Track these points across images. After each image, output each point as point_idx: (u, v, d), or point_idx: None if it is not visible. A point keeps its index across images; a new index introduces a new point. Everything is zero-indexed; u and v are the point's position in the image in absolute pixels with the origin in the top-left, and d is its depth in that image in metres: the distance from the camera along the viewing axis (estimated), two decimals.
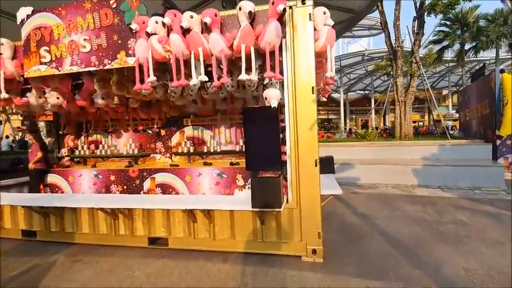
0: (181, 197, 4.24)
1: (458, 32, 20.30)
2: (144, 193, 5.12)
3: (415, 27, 10.80)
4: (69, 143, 6.57)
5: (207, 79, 3.11)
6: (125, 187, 5.23)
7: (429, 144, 8.79)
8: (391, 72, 11.69)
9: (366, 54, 28.62)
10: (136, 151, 5.81)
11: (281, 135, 3.34)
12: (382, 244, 3.65)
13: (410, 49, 12.14)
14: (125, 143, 6.14)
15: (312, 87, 3.11)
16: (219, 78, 3.15)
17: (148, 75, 3.32)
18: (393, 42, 10.93)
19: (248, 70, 2.96)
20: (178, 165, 5.08)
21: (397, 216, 4.82)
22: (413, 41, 10.96)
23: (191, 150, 5.44)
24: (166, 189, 5.00)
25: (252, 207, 2.86)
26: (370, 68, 30.31)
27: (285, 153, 3.26)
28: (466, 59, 22.44)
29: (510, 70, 7.56)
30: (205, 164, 5.05)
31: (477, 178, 7.03)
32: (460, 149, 8.27)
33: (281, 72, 3.10)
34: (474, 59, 24.63)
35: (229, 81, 3.12)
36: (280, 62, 3.18)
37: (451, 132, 13.76)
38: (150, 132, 6.10)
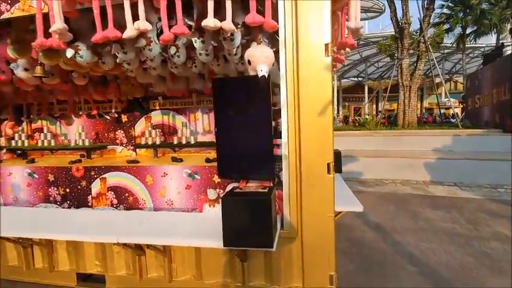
0: (116, 215, 3.01)
1: (460, 15, 19.18)
2: (92, 198, 3.89)
3: (426, 1, 9.57)
4: (7, 131, 5.22)
5: (149, 27, 1.87)
6: (68, 190, 3.97)
7: (439, 134, 7.78)
8: (396, 54, 10.51)
9: (361, 38, 27.36)
10: (87, 142, 4.52)
11: (273, 123, 2.16)
12: (417, 279, 2.58)
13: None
14: (77, 131, 4.84)
15: (326, 45, 1.90)
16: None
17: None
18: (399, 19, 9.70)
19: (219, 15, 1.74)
20: (138, 162, 3.84)
21: (422, 228, 3.76)
22: (422, 17, 9.74)
23: (157, 142, 4.19)
24: (121, 193, 3.78)
25: (225, 245, 1.71)
26: (366, 53, 29.02)
27: (278, 148, 2.10)
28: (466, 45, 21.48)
29: None
30: (174, 160, 3.83)
31: (498, 174, 6.07)
32: (475, 140, 7.28)
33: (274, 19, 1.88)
34: (472, 45, 23.72)
35: (185, 31, 1.89)
36: (274, 5, 1.96)
37: (452, 120, 12.73)
38: (107, 118, 4.81)
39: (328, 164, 1.94)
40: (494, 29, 19.53)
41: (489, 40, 22.23)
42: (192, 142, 4.09)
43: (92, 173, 3.84)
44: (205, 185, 3.52)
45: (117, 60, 3.36)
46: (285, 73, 1.91)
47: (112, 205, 3.81)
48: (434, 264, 2.85)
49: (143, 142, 4.23)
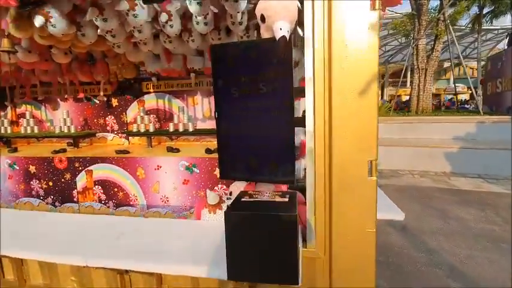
0: (98, 221, 2.52)
1: None
2: (78, 193, 3.42)
3: None
4: None
5: None
6: (51, 183, 3.51)
7: (460, 121, 7.17)
8: (412, 34, 9.73)
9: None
10: (73, 129, 4.02)
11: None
12: None
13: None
14: (62, 116, 4.33)
15: None
16: None
17: None
18: None
19: None
20: (128, 152, 3.34)
21: (455, 230, 3.27)
22: None
23: (151, 130, 3.67)
24: (109, 188, 3.30)
25: (229, 278, 1.21)
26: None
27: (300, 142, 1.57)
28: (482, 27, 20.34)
29: None
30: (169, 150, 3.32)
31: None
32: (500, 127, 6.67)
33: None
34: (486, 27, 22.53)
35: None
36: None
37: (466, 106, 12.05)
38: (96, 101, 4.29)
39: (371, 163, 1.42)
40: None
41: (503, 22, 21.05)
42: (191, 129, 3.57)
43: (76, 165, 3.35)
44: (206, 179, 3.02)
45: (98, 31, 2.80)
46: (312, 33, 1.35)
47: (100, 201, 3.34)
48: (480, 279, 2.36)
49: (135, 129, 3.71)
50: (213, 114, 4.03)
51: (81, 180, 3.37)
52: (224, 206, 1.73)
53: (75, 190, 3.42)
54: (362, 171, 1.45)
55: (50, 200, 3.56)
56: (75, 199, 3.43)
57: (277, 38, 1.25)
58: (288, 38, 1.25)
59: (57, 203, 3.52)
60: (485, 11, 19.93)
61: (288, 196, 1.34)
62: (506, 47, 9.54)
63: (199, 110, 4.02)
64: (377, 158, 1.44)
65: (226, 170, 1.56)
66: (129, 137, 4.19)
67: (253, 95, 1.42)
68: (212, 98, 3.95)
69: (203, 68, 3.66)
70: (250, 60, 1.41)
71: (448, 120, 7.40)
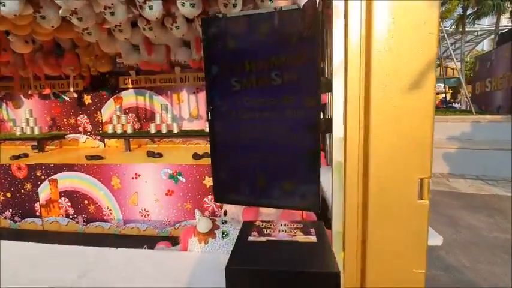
0: (54, 252, 2.02)
1: None
2: (41, 206, 2.90)
3: None
4: None
5: None
6: (9, 195, 2.97)
7: (452, 121, 7.03)
8: None
9: None
10: (37, 130, 3.46)
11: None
12: None
13: None
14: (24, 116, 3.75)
15: None
16: None
17: None
18: None
19: None
20: (101, 158, 2.85)
21: (470, 241, 2.98)
22: None
23: (129, 131, 3.18)
24: (78, 200, 2.80)
25: None
26: None
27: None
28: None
29: None
30: (150, 155, 2.86)
31: None
32: (495, 127, 6.56)
33: None
34: (468, 28, 23.03)
35: None
36: None
37: (455, 106, 12.16)
38: (66, 98, 3.74)
39: (421, 182, 1.04)
40: (495, 10, 18.81)
41: (482, 23, 21.56)
42: (175, 131, 3.11)
43: (38, 173, 2.83)
44: (193, 190, 2.59)
45: (60, 12, 2.31)
46: None
47: (67, 215, 2.84)
48: None
49: (110, 130, 3.21)
50: (201, 113, 3.60)
51: (44, 192, 2.85)
52: (218, 234, 1.31)
53: (38, 203, 2.89)
54: (410, 192, 1.07)
55: (8, 214, 3.01)
56: (37, 213, 2.91)
57: (301, 4, 0.85)
58: (317, 4, 0.85)
59: (16, 218, 2.99)
60: (468, 12, 20.33)
61: (313, 230, 0.95)
62: (496, 47, 9.56)
63: (186, 108, 3.57)
64: (430, 175, 1.06)
65: (223, 190, 1.14)
66: (105, 139, 3.67)
67: (262, 88, 1.01)
68: (200, 95, 3.51)
69: (190, 61, 3.21)
70: (258, 39, 1.00)
71: (441, 119, 7.25)
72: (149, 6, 2.29)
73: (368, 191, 1.12)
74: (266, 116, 1.04)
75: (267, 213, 1.48)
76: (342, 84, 1.06)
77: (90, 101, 3.75)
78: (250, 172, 1.10)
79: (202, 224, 1.34)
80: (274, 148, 1.06)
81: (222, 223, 1.43)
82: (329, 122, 1.08)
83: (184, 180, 2.58)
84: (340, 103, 1.08)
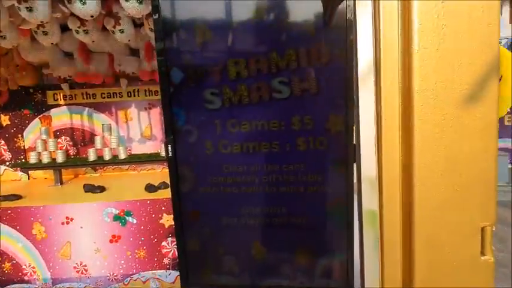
0: None
1: None
2: None
3: None
4: None
5: None
6: None
7: None
8: None
9: None
10: None
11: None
12: None
13: None
14: None
15: None
16: None
17: None
18: None
19: None
20: (18, 198, 2.15)
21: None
22: None
23: (60, 159, 2.51)
24: None
25: None
26: None
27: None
28: None
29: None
30: (89, 189, 2.25)
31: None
32: None
33: None
34: None
35: None
36: None
37: None
38: None
39: (484, 232, 0.73)
40: None
41: None
42: (122, 156, 2.53)
43: None
44: (147, 233, 2.04)
45: None
46: None
47: None
48: None
49: (33, 160, 2.50)
50: (154, 133, 3.06)
51: None
52: None
53: None
54: (470, 247, 0.75)
55: None
56: None
57: None
58: None
59: None
60: None
61: None
62: None
63: (135, 127, 3.00)
64: (494, 223, 0.76)
65: (195, 268, 0.70)
66: (29, 170, 2.91)
67: (258, 104, 0.62)
68: (154, 111, 2.98)
69: (139, 72, 2.69)
70: (250, 25, 0.61)
71: None
72: (80, 0, 1.78)
73: (414, 250, 0.77)
74: (265, 149, 0.64)
75: None
76: (371, 98, 0.72)
77: (9, 122, 2.99)
78: (242, 239, 0.68)
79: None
80: (281, 199, 0.66)
81: None
82: (353, 152, 0.73)
83: (134, 221, 2.03)
84: (369, 124, 0.74)
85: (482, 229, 0.77)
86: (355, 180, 0.68)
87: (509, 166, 5.75)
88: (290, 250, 0.69)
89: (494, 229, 0.79)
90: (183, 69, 0.65)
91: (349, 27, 0.64)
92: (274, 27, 0.62)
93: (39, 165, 2.52)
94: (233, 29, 0.64)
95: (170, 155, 0.65)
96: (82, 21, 2.17)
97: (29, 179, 2.96)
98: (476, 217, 0.77)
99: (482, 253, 0.79)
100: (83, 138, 2.96)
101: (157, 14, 0.63)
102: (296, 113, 0.64)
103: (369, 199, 0.75)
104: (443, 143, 0.74)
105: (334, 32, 0.63)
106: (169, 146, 0.65)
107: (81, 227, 2.02)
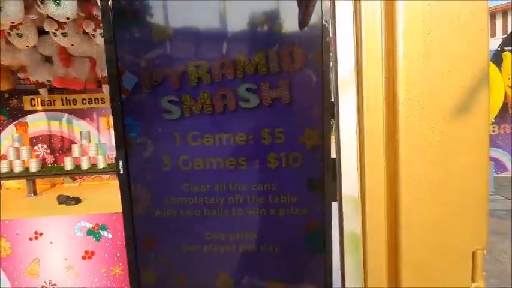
0: None
1: None
2: None
3: None
4: None
5: None
6: None
7: None
8: None
9: None
10: None
11: None
12: None
13: None
14: None
15: None
16: None
17: None
18: None
19: None
20: None
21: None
22: None
23: (33, 169, 2.37)
24: None
25: None
26: None
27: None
28: None
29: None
30: (63, 201, 2.12)
31: None
32: None
33: None
34: None
35: None
36: None
37: None
38: None
39: (475, 256, 0.65)
40: None
41: None
42: (101, 165, 2.41)
43: None
44: (123, 249, 1.91)
45: None
46: None
47: None
48: None
49: (4, 168, 2.35)
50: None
51: None
52: None
53: None
54: (460, 273, 0.68)
55: None
56: None
57: None
58: None
59: None
60: None
61: None
62: None
63: None
64: (485, 247, 0.69)
65: None
66: (1, 181, 2.74)
67: (223, 114, 0.54)
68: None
69: None
70: (215, 22, 0.54)
71: None
72: (54, 1, 1.69)
73: (400, 277, 0.69)
74: (231, 166, 0.56)
75: None
76: (352, 108, 0.65)
77: None
78: (205, 269, 0.59)
79: None
80: (249, 223, 0.58)
81: None
82: (331, 169, 0.65)
83: (110, 235, 1.90)
84: (350, 138, 0.66)
85: (474, 253, 0.70)
86: (334, 201, 0.60)
87: (495, 175, 5.80)
88: (261, 282, 0.60)
89: (485, 253, 0.72)
90: (137, 73, 0.56)
91: (326, 28, 0.57)
92: (241, 27, 0.55)
93: (10, 175, 2.37)
94: (195, 28, 0.56)
95: (121, 172, 0.56)
96: (60, 24, 2.08)
97: (0, 189, 2.79)
98: (467, 240, 0.69)
99: (473, 279, 0.71)
100: (61, 146, 2.82)
101: (106, 5, 0.54)
102: (266, 125, 0.56)
103: (350, 221, 0.66)
104: (432, 159, 0.67)
105: (310, 33, 0.56)
106: (120, 161, 0.56)
107: (51, 242, 1.88)
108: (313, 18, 0.55)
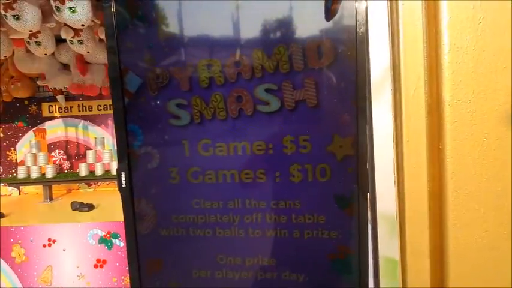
0: None
1: None
2: None
3: None
4: None
5: None
6: None
7: None
8: None
9: None
10: None
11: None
12: None
13: None
14: None
15: None
16: None
17: None
18: None
19: None
20: (2, 215, 2.02)
21: None
22: None
23: (50, 174, 2.39)
24: None
25: None
26: None
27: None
28: None
29: None
30: (77, 207, 2.11)
31: None
32: None
33: None
34: None
35: None
36: None
37: None
38: None
39: None
40: None
41: None
42: (115, 172, 2.38)
43: None
44: None
45: None
46: None
47: None
48: None
49: (22, 174, 2.38)
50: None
51: None
52: None
53: None
54: None
55: None
56: None
57: None
58: None
59: None
60: None
61: None
62: None
63: None
64: None
65: None
66: (20, 186, 2.79)
67: (239, 119, 0.47)
68: None
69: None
70: (229, 21, 0.47)
71: None
72: (70, 8, 1.69)
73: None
74: (248, 180, 0.48)
75: None
76: (388, 112, 0.56)
77: (2, 135, 2.90)
78: None
79: None
80: (269, 247, 0.50)
81: None
82: (365, 183, 0.56)
83: (121, 244, 1.86)
84: (386, 147, 0.57)
85: None
86: (368, 221, 0.51)
87: None
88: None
89: None
90: (141, 74, 0.50)
91: (361, 16, 0.49)
92: (259, 18, 0.47)
93: (27, 181, 2.40)
94: (205, 21, 0.49)
95: (123, 185, 0.50)
96: (76, 31, 2.10)
97: (19, 194, 2.84)
98: None
99: None
100: (77, 152, 2.85)
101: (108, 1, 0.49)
102: (288, 132, 0.48)
103: (386, 245, 0.56)
104: (485, 172, 0.57)
105: (341, 24, 0.47)
106: (123, 173, 0.50)
107: (64, 250, 1.86)
108: (344, 6, 0.47)
